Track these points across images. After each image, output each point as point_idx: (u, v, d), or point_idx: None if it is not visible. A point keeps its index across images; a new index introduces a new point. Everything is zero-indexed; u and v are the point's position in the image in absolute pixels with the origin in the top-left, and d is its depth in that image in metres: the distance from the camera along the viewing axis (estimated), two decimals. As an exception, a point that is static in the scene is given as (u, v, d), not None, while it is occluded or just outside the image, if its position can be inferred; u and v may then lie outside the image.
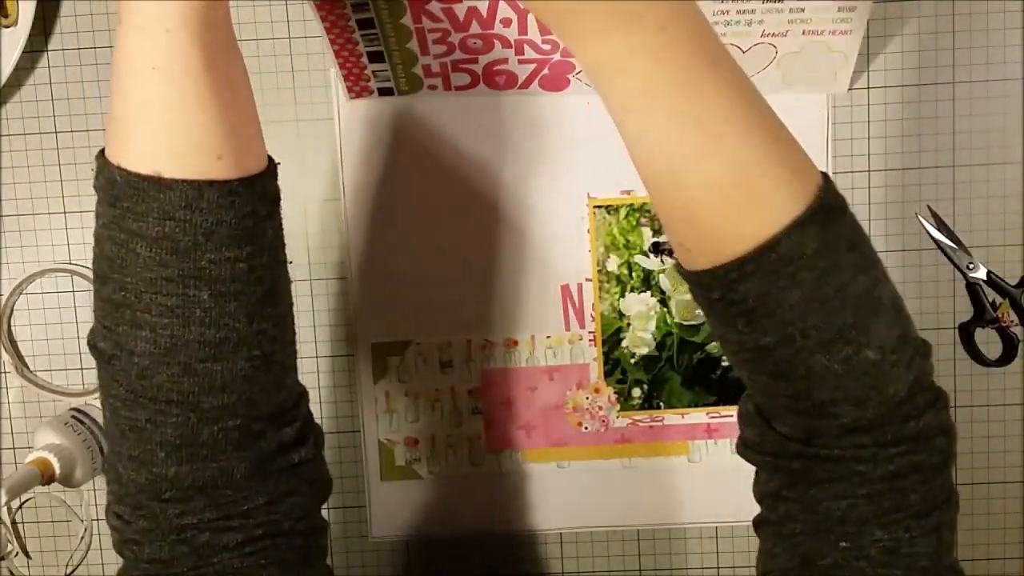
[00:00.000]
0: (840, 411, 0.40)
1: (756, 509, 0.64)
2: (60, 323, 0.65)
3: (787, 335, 0.40)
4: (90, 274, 0.63)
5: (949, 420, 0.42)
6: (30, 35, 0.60)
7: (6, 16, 0.60)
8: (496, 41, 0.56)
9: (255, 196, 0.42)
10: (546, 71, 0.58)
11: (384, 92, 0.61)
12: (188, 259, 0.40)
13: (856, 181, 0.62)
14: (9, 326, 0.65)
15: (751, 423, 0.45)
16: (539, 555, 0.66)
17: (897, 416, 0.40)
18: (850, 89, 0.61)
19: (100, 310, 0.42)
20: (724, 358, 0.63)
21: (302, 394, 0.47)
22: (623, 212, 0.62)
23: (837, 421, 0.41)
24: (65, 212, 0.64)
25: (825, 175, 0.41)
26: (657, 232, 0.62)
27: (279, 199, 0.45)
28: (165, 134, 0.39)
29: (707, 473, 0.64)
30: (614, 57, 0.38)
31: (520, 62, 0.57)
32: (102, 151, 0.41)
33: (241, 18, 0.62)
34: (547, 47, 0.56)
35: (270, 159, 0.45)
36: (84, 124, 0.63)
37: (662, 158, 0.40)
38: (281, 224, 0.45)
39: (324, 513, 0.65)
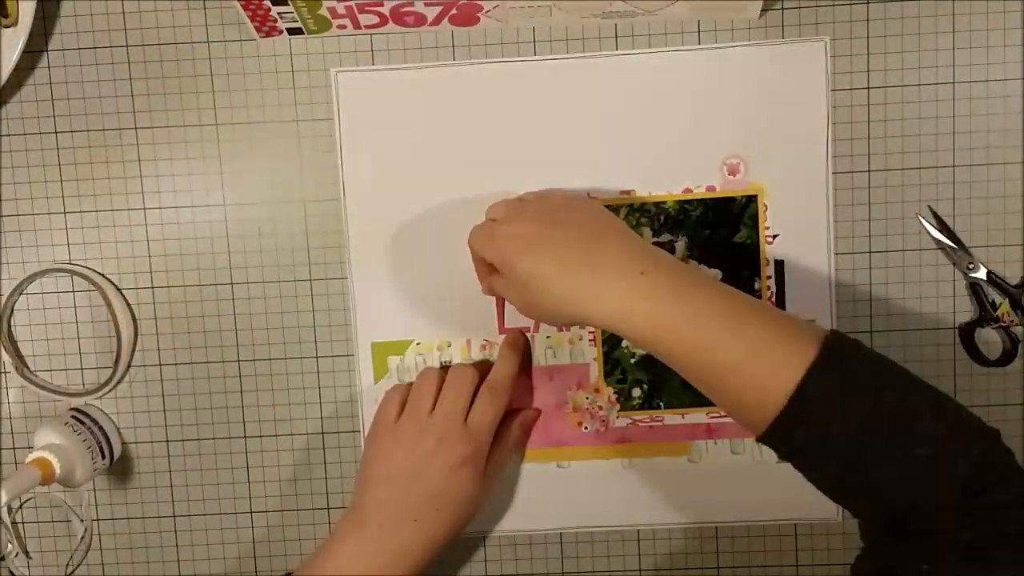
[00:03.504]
0: (915, 503, 0.47)
1: (756, 508, 0.64)
2: (60, 323, 0.65)
3: (846, 461, 0.47)
4: (90, 274, 0.64)
5: None
6: (30, 35, 0.60)
7: (6, 16, 0.60)
8: None
9: None
10: (455, 10, 0.59)
11: (293, 32, 0.61)
12: None
13: (856, 181, 0.62)
14: (9, 326, 0.65)
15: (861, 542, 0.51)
16: (539, 555, 0.66)
17: (968, 492, 0.45)
18: (850, 89, 0.61)
19: None
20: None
21: None
22: (623, 212, 0.62)
23: (916, 512, 0.46)
24: (65, 212, 0.64)
25: (834, 330, 0.50)
26: (657, 232, 0.62)
27: None
28: None
29: (707, 473, 0.64)
30: (619, 311, 0.50)
31: (427, 4, 0.58)
32: None
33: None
34: None
35: None
36: (84, 124, 0.63)
37: (691, 359, 0.50)
38: None
39: (324, 513, 0.65)
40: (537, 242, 0.53)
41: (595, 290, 0.51)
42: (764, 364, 0.48)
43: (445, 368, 0.62)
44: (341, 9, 0.58)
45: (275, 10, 0.58)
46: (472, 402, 0.60)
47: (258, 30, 0.61)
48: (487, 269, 0.59)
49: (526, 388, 0.64)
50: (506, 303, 0.63)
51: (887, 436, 0.46)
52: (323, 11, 0.58)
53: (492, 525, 0.65)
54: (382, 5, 0.58)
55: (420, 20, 0.60)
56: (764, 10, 0.60)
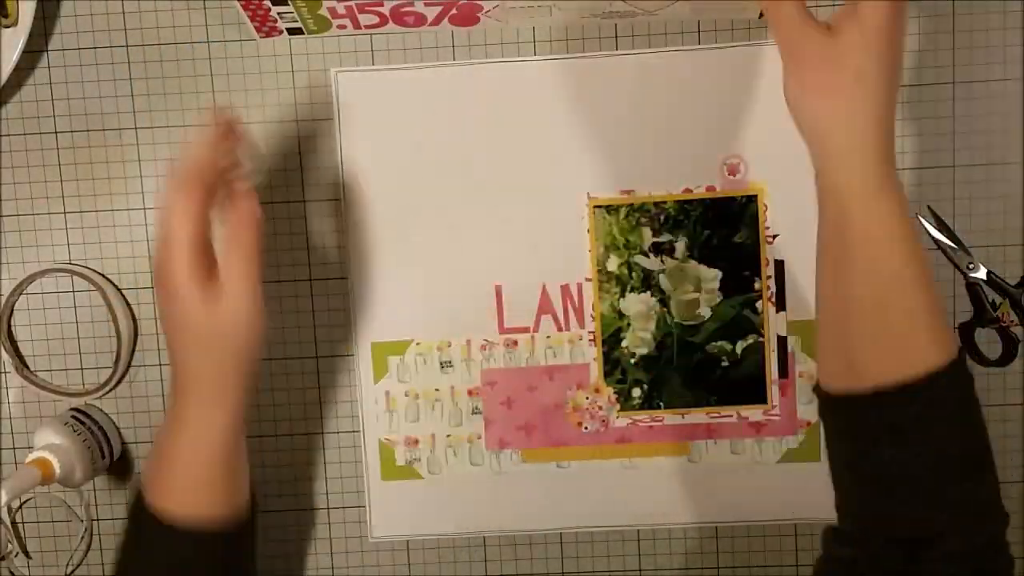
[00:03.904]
0: (948, 540, 0.45)
1: (756, 508, 0.64)
2: (60, 323, 0.65)
3: (936, 458, 0.46)
4: (90, 274, 0.64)
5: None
6: (30, 35, 0.60)
7: (6, 16, 0.60)
8: None
9: (236, 540, 0.55)
10: (455, 10, 0.59)
11: (294, 32, 0.61)
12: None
13: (856, 181, 0.62)
14: (9, 326, 0.65)
15: (845, 545, 0.49)
16: (539, 555, 0.66)
17: (992, 548, 0.46)
18: (850, 89, 0.61)
19: None
20: (724, 358, 0.63)
21: None
22: (623, 212, 0.62)
23: (940, 550, 0.45)
24: (65, 212, 0.64)
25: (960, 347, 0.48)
26: (657, 232, 0.62)
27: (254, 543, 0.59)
28: (193, 490, 0.52)
29: (707, 473, 0.64)
30: (871, 189, 0.46)
31: (427, 4, 0.58)
32: (140, 494, 0.54)
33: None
34: None
35: (252, 505, 0.57)
36: (84, 124, 0.63)
37: (882, 283, 0.47)
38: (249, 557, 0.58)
39: (324, 513, 0.65)
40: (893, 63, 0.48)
41: (864, 127, 0.47)
42: (932, 321, 0.46)
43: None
44: (341, 9, 0.58)
45: (275, 10, 0.58)
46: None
47: (258, 30, 0.61)
48: None
49: (527, 388, 0.64)
50: (504, 301, 0.63)
51: (976, 460, 0.47)
52: (323, 11, 0.58)
53: (492, 525, 0.65)
54: (382, 5, 0.58)
55: (420, 20, 0.60)
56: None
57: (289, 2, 0.57)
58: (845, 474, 0.49)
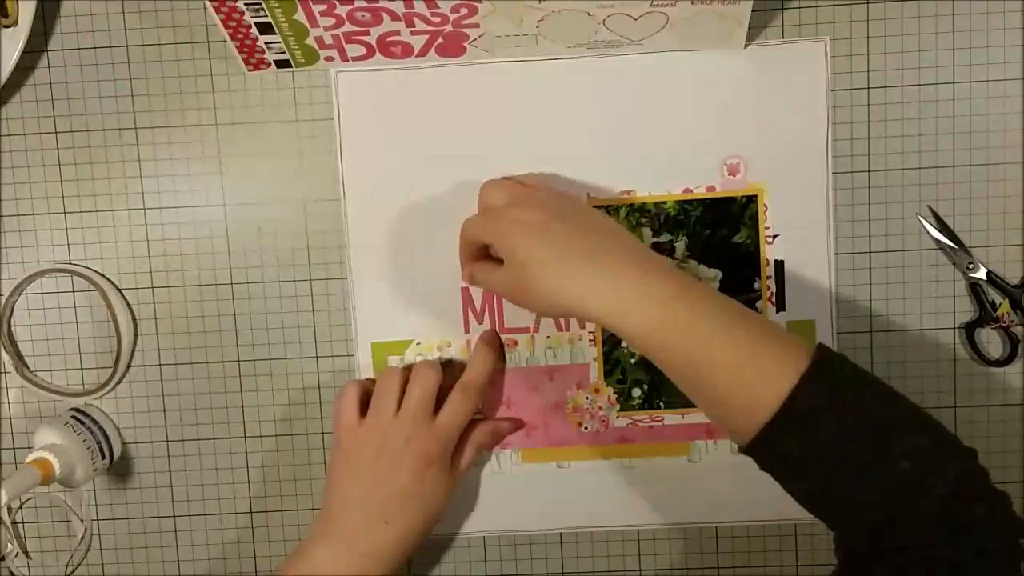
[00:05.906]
0: (895, 518, 0.46)
1: (756, 508, 0.64)
2: (60, 323, 0.65)
3: (833, 471, 0.47)
4: (90, 274, 0.64)
5: (1007, 515, 0.47)
6: (30, 35, 0.60)
7: (6, 16, 0.60)
8: (384, 15, 0.56)
9: None
10: (441, 40, 0.59)
11: (282, 64, 0.61)
12: None
13: (856, 181, 0.62)
14: (9, 326, 0.65)
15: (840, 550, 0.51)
16: (539, 555, 0.66)
17: (948, 508, 0.46)
18: (850, 89, 0.61)
19: None
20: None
21: None
22: (623, 212, 0.62)
23: (894, 527, 0.46)
24: (65, 212, 0.64)
25: (821, 344, 0.51)
26: (657, 232, 0.62)
27: None
28: None
29: (707, 473, 0.64)
30: (615, 308, 0.50)
31: (413, 33, 0.58)
32: None
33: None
34: (437, 19, 0.56)
35: None
36: (84, 124, 0.63)
37: (683, 359, 0.50)
38: None
39: (324, 513, 0.65)
40: (542, 229, 0.52)
41: (593, 284, 0.51)
42: (756, 368, 0.48)
43: (407, 368, 0.61)
44: (328, 39, 0.58)
45: (263, 40, 0.58)
46: (442, 400, 0.59)
47: (246, 62, 0.60)
48: (474, 255, 0.58)
49: (527, 388, 0.64)
50: (505, 301, 0.63)
51: (872, 448, 0.47)
52: (310, 41, 0.58)
53: (492, 525, 0.65)
54: (368, 34, 0.58)
55: (407, 51, 0.59)
56: (747, 45, 0.60)
57: (276, 31, 0.57)
58: (801, 502, 0.50)
